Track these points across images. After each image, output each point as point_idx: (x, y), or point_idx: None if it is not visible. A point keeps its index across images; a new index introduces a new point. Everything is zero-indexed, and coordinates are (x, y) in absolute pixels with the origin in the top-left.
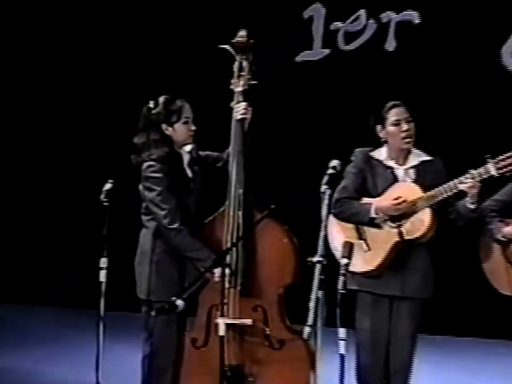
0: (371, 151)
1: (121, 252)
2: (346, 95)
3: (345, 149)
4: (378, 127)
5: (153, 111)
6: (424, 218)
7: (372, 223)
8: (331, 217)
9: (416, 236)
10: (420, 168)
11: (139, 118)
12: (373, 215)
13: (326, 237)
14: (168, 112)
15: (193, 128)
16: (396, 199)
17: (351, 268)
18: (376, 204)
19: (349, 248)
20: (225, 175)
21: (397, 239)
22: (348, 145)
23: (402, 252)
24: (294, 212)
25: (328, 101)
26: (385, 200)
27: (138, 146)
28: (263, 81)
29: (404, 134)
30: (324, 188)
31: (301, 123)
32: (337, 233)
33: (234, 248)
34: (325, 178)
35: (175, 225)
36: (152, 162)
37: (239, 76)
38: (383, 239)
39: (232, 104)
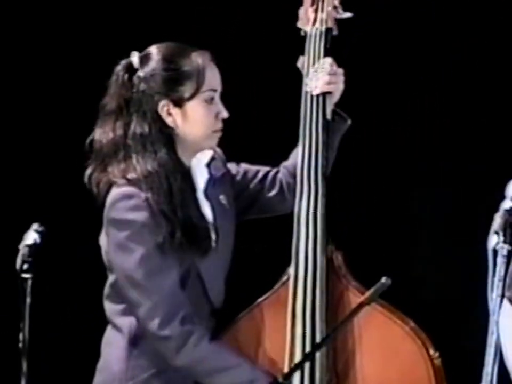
0: None
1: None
2: None
3: None
4: None
5: (141, 74)
6: None
7: None
8: (507, 305)
9: None
10: None
11: (102, 87)
12: None
13: (499, 344)
14: (173, 77)
15: (223, 114)
16: None
17: None
18: None
19: None
20: (285, 211)
21: None
22: None
23: None
24: (431, 289)
25: None
26: None
27: (101, 150)
28: None
29: None
30: (495, 240)
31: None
32: None
33: (307, 365)
34: (497, 222)
35: (178, 328)
36: (128, 190)
37: (315, 1)
38: None
39: (301, 62)
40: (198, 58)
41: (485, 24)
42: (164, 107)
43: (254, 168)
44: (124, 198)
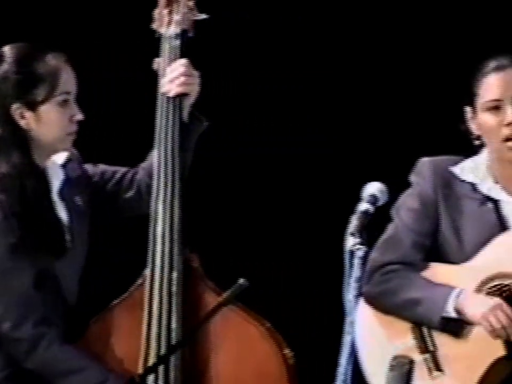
0: (455, 163)
1: None
2: None
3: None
4: (468, 112)
5: None
6: None
7: (446, 326)
8: (363, 304)
9: None
10: None
11: None
12: (449, 313)
13: (353, 345)
14: (26, 80)
15: (78, 117)
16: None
17: None
18: (462, 292)
19: (402, 373)
20: (143, 212)
21: (501, 353)
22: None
23: None
24: (288, 291)
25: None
26: (478, 276)
27: None
28: None
29: (507, 131)
30: (351, 241)
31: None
32: (373, 338)
33: (162, 367)
34: (354, 223)
35: (30, 331)
36: None
37: (170, 2)
38: (472, 353)
39: (157, 64)
40: (52, 61)
41: (359, 25)
42: (17, 110)
43: (111, 169)
44: None
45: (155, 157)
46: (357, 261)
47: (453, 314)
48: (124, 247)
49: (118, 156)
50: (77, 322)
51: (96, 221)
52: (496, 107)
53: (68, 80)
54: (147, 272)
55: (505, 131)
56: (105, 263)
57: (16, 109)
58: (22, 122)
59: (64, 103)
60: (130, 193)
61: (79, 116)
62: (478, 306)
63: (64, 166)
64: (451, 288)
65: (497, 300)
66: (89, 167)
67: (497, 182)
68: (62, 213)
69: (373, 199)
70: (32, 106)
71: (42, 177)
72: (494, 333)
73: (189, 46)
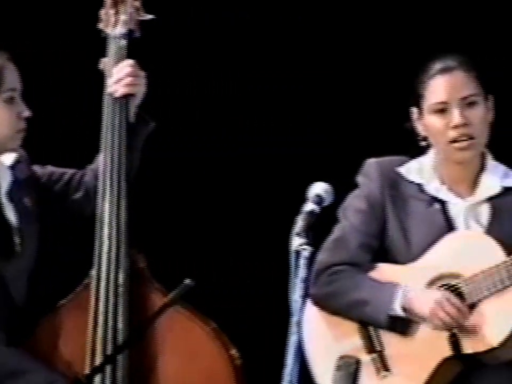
0: (401, 163)
1: None
2: None
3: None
4: (415, 113)
5: None
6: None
7: (393, 325)
8: (310, 305)
9: (486, 348)
10: (500, 203)
11: None
12: (396, 311)
13: (299, 345)
14: None
15: (26, 113)
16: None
17: None
18: (408, 290)
19: (349, 372)
20: (92, 213)
21: (447, 353)
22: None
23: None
24: (234, 293)
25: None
26: (425, 276)
27: None
28: None
29: (454, 133)
30: (297, 241)
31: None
32: (321, 338)
33: (109, 367)
34: (299, 224)
35: None
36: None
37: (116, 3)
38: (419, 353)
39: (103, 64)
40: None
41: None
42: None
43: (59, 170)
44: None
45: (101, 157)
46: (302, 261)
47: (399, 312)
48: (72, 246)
49: (65, 157)
50: (25, 323)
51: (45, 222)
52: (442, 109)
53: (12, 78)
54: (93, 272)
55: (452, 133)
56: (54, 262)
57: None
58: None
59: (11, 100)
60: (78, 195)
61: (27, 113)
62: (426, 302)
63: (12, 167)
64: (397, 286)
65: (444, 293)
66: (37, 168)
67: (443, 183)
68: (11, 214)
69: (318, 199)
70: None
71: None
72: (444, 326)
73: (137, 46)
